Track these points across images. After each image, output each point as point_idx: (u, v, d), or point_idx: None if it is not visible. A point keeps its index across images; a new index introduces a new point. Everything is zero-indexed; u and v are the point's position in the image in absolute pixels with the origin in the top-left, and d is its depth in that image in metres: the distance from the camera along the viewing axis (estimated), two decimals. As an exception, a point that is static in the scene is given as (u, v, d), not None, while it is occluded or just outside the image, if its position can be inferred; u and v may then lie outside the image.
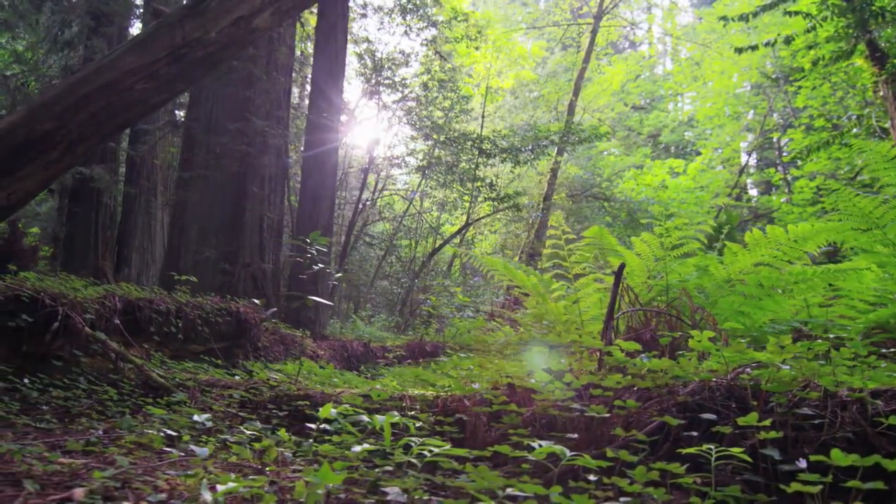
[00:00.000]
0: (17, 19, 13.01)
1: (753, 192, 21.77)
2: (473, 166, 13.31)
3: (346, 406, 2.16)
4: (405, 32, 13.40)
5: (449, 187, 14.21)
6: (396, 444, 2.00)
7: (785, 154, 18.26)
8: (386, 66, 12.78)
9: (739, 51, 10.55)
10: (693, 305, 3.20)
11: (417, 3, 13.02)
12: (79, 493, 1.93)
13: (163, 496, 1.83)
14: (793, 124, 16.35)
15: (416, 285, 13.92)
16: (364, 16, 14.60)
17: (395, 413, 2.10)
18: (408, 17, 13.29)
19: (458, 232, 16.26)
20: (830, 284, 3.90)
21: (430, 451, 1.72)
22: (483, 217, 16.60)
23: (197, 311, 5.34)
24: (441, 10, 13.58)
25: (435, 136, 12.77)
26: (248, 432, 2.62)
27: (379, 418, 1.97)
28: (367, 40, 14.13)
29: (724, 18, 10.78)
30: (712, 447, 1.66)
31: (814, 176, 14.86)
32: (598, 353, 2.77)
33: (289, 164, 12.27)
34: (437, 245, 15.83)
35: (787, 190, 17.34)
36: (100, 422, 3.40)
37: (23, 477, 2.09)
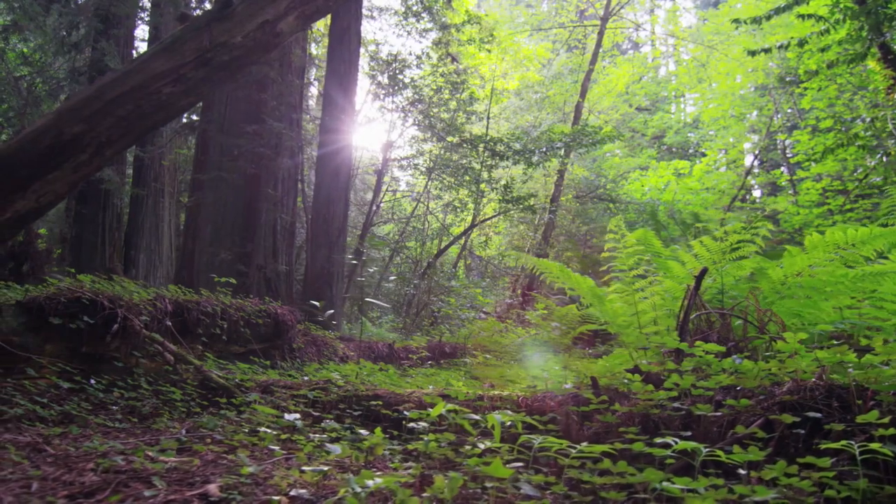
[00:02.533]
0: (27, 21, 12.99)
1: (757, 192, 21.94)
2: (485, 168, 13.40)
3: (455, 405, 2.23)
4: (419, 34, 13.47)
5: (457, 188, 14.27)
6: (516, 442, 2.08)
7: (791, 155, 18.38)
8: (398, 68, 12.84)
9: (752, 53, 10.65)
10: (760, 308, 3.30)
11: (427, 4, 13.08)
12: (213, 488, 2.00)
13: (303, 491, 1.90)
14: (798, 125, 16.48)
15: (422, 286, 13.98)
16: (372, 17, 14.67)
17: (509, 411, 2.18)
18: (417, 20, 13.35)
19: (464, 233, 16.32)
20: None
21: (574, 449, 1.80)
22: (489, 218, 16.67)
23: (240, 312, 5.41)
24: (454, 13, 13.65)
25: (450, 139, 12.85)
26: (359, 433, 2.68)
27: (496, 416, 2.04)
28: (376, 42, 14.19)
29: (736, 21, 10.88)
30: (853, 441, 1.75)
31: (819, 178, 14.98)
32: (673, 353, 2.85)
33: (301, 166, 12.32)
34: (441, 246, 15.88)
35: (792, 191, 17.48)
36: (173, 421, 3.46)
37: (149, 475, 2.15)
